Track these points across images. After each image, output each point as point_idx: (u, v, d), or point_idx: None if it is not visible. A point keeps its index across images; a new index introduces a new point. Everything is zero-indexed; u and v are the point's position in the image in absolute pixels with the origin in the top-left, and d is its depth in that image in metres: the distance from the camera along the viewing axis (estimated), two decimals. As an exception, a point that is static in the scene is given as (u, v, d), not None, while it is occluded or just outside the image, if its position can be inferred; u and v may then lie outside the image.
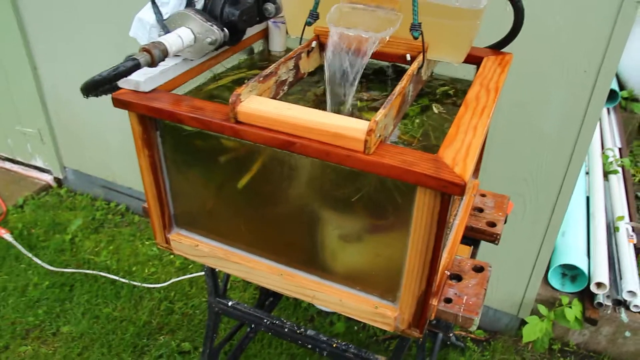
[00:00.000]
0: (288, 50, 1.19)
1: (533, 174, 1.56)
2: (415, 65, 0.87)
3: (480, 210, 1.17)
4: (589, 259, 1.85)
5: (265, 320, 1.18)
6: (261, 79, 0.82)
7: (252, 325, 1.24)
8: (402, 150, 0.72)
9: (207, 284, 1.20)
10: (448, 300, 0.93)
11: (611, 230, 2.01)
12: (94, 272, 2.12)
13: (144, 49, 0.81)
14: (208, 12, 0.93)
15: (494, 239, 1.11)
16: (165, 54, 0.83)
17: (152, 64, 0.82)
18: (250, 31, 1.10)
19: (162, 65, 0.89)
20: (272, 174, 0.86)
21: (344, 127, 0.71)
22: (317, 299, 0.91)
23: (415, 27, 0.85)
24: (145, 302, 2.02)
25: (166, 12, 0.91)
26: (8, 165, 2.68)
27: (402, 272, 0.81)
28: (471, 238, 1.14)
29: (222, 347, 1.48)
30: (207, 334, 1.32)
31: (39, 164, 2.58)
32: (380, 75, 1.07)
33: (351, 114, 0.92)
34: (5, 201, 2.46)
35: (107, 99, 0.88)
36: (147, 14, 0.92)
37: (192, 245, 1.00)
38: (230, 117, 0.77)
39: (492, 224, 1.13)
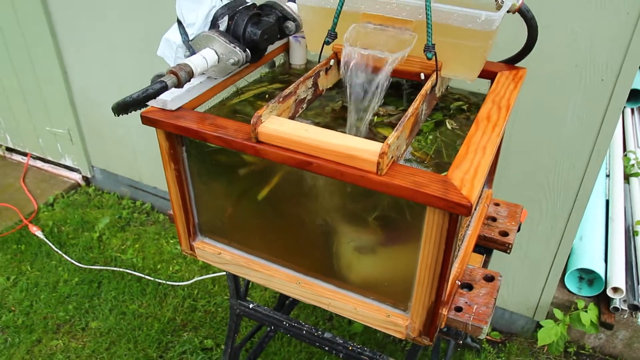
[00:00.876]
0: (308, 63, 1.23)
1: (550, 180, 1.58)
2: (428, 85, 0.91)
3: (494, 219, 1.20)
4: (607, 263, 1.86)
5: (284, 323, 1.23)
6: (281, 99, 0.87)
7: (272, 327, 1.30)
8: (413, 171, 0.76)
9: (229, 287, 1.26)
10: (458, 309, 0.97)
11: (630, 234, 2.01)
12: (121, 269, 2.20)
13: (171, 72, 0.86)
14: (231, 33, 0.98)
15: (505, 248, 1.14)
16: (190, 75, 0.88)
17: (179, 85, 0.87)
18: (272, 45, 1.15)
19: (188, 84, 0.94)
20: (291, 188, 0.90)
21: (358, 149, 0.75)
22: (332, 306, 0.96)
23: (429, 49, 0.88)
24: (169, 299, 2.09)
25: (192, 33, 0.96)
26: (39, 164, 2.79)
27: (413, 284, 0.85)
28: (484, 247, 1.17)
29: (242, 346, 1.54)
30: (229, 334, 1.38)
31: (69, 163, 2.68)
32: (396, 89, 1.11)
33: (369, 130, 0.96)
34: (36, 199, 2.56)
35: None
36: (173, 34, 0.97)
37: (215, 253, 1.06)
38: (252, 137, 0.82)
39: (505, 234, 1.15)
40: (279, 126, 0.82)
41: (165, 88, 0.85)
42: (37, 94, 2.49)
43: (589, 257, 1.84)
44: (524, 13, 1.00)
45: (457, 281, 0.98)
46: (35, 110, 2.57)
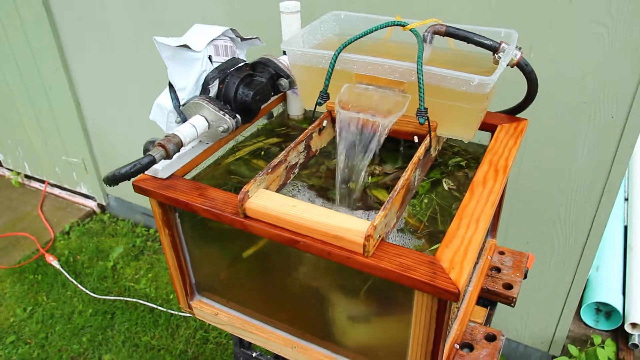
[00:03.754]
0: (307, 112, 1.22)
1: (561, 215, 1.54)
2: (421, 149, 0.89)
3: (498, 270, 1.17)
4: (625, 295, 1.80)
5: (286, 374, 1.22)
6: (269, 170, 0.86)
7: (275, 376, 1.29)
8: (400, 252, 0.74)
9: (232, 336, 1.25)
10: (459, 374, 0.95)
11: (650, 263, 1.94)
12: (134, 299, 2.22)
13: (159, 144, 0.86)
14: (223, 96, 0.97)
15: (509, 302, 1.11)
16: (180, 146, 0.88)
17: (167, 157, 0.87)
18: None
19: (181, 150, 0.94)
20: (282, 258, 0.89)
21: (344, 230, 0.74)
22: (328, 372, 0.95)
23: (422, 113, 0.86)
24: (181, 330, 2.10)
25: (183, 97, 0.96)
26: (57, 191, 2.84)
27: (406, 356, 0.83)
28: (487, 299, 1.14)
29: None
30: (234, 381, 1.37)
31: (84, 191, 2.72)
32: (394, 144, 1.08)
33: (362, 194, 0.94)
34: (53, 227, 2.61)
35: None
36: (165, 99, 0.97)
37: (212, 314, 1.05)
38: (239, 212, 0.81)
39: (509, 286, 1.12)
40: (266, 202, 0.81)
41: (153, 162, 0.85)
42: (52, 125, 2.54)
43: (606, 289, 1.79)
44: (523, 67, 0.97)
45: (455, 344, 0.95)
46: (51, 140, 2.62)
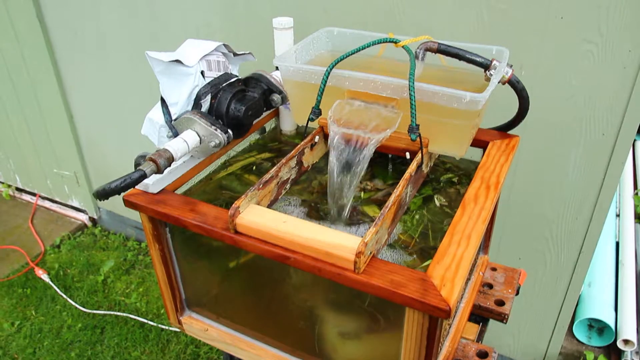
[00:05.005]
0: (299, 127, 1.22)
1: (553, 231, 1.54)
2: (413, 166, 0.89)
3: (490, 286, 1.16)
4: (617, 312, 1.80)
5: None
6: (260, 185, 0.85)
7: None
8: (391, 268, 0.74)
9: (223, 352, 1.24)
10: (451, 392, 0.94)
11: (641, 280, 1.95)
12: (124, 314, 2.20)
13: (150, 159, 0.85)
14: (215, 111, 0.97)
15: (502, 318, 1.10)
16: (171, 161, 0.88)
17: (158, 171, 0.86)
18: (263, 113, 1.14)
19: (172, 165, 0.94)
20: (272, 274, 0.89)
21: (335, 246, 0.73)
22: (318, 390, 0.94)
23: (413, 130, 0.86)
24: (172, 345, 2.08)
25: (175, 112, 0.96)
26: (48, 204, 2.82)
27: (396, 375, 0.83)
28: (479, 315, 1.13)
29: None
30: (224, 398, 1.35)
31: (75, 204, 2.70)
32: (385, 159, 1.09)
33: (353, 210, 0.94)
34: (43, 240, 2.59)
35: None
36: (156, 114, 0.97)
37: (202, 329, 1.04)
38: (230, 228, 0.81)
39: (501, 303, 1.12)
40: (257, 217, 0.80)
41: (144, 177, 0.84)
42: (44, 137, 2.53)
43: (598, 305, 1.79)
44: (514, 84, 0.98)
45: (448, 363, 0.95)
46: (42, 153, 2.61)
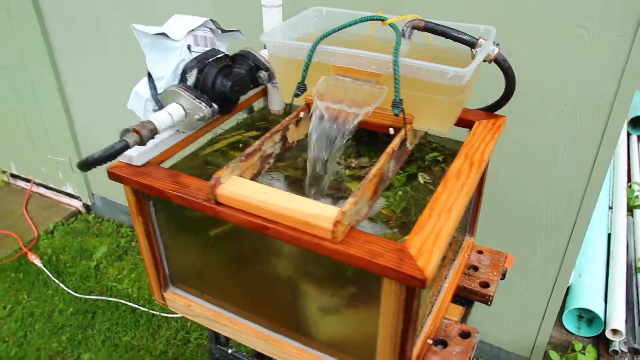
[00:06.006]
0: (287, 108, 1.22)
1: (542, 218, 1.54)
2: (396, 141, 0.89)
3: (476, 268, 1.16)
4: (607, 302, 1.80)
5: (262, 371, 1.21)
6: (243, 158, 0.85)
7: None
8: (370, 239, 0.73)
9: (208, 332, 1.24)
10: (432, 369, 0.94)
11: (632, 272, 1.95)
12: (116, 299, 2.20)
13: (134, 130, 0.85)
14: (200, 86, 0.97)
15: (486, 300, 1.11)
16: (154, 133, 0.88)
17: (142, 143, 0.86)
18: (251, 91, 1.14)
19: (157, 138, 0.94)
20: (254, 245, 0.89)
21: (313, 216, 0.73)
22: (299, 365, 0.94)
23: (397, 104, 0.86)
24: (162, 331, 2.08)
25: (160, 86, 0.96)
26: (42, 190, 2.82)
27: (375, 349, 0.83)
28: (464, 298, 1.13)
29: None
30: (210, 379, 1.35)
31: (70, 190, 2.70)
32: (373, 138, 1.09)
33: (337, 186, 0.94)
34: (37, 226, 2.59)
35: None
36: (142, 88, 0.97)
37: (185, 305, 1.04)
38: (211, 199, 0.81)
39: (486, 285, 1.12)
40: (238, 188, 0.80)
41: (126, 147, 0.85)
42: (39, 123, 2.53)
43: (588, 295, 1.79)
44: (500, 63, 0.97)
45: (428, 340, 0.94)
46: (37, 139, 2.61)
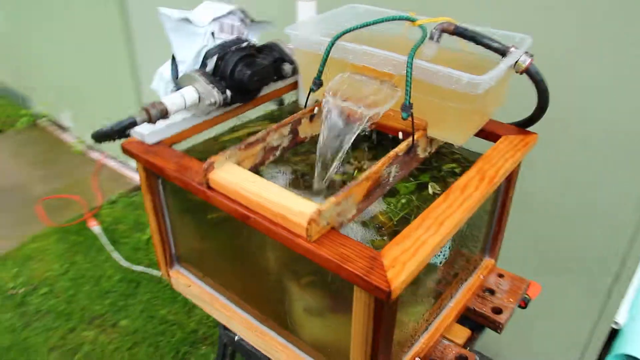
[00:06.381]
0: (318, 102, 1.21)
1: (587, 252, 1.42)
2: (402, 146, 0.85)
3: (492, 292, 1.09)
4: (661, 353, 1.62)
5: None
6: (242, 146, 0.85)
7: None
8: (346, 242, 0.71)
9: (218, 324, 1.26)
10: (416, 389, 0.89)
11: (698, 323, 1.74)
12: (159, 274, 2.30)
13: (144, 108, 0.88)
14: (220, 72, 0.98)
15: (496, 327, 1.03)
16: (164, 113, 0.90)
17: (150, 121, 0.89)
18: (279, 83, 1.13)
19: (172, 119, 0.96)
20: (245, 235, 0.89)
21: (291, 211, 0.72)
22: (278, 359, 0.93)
23: (406, 108, 0.82)
24: (197, 310, 2.14)
25: (182, 70, 0.98)
26: (112, 163, 3.00)
27: (349, 357, 0.80)
28: (473, 321, 1.06)
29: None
30: (217, 362, 1.38)
31: (135, 165, 2.86)
32: (394, 143, 1.05)
33: (342, 186, 0.92)
34: (102, 196, 2.76)
35: None
36: (166, 69, 1.00)
37: (186, 285, 1.06)
38: (203, 182, 0.81)
39: (498, 311, 1.04)
40: (229, 175, 0.80)
41: (134, 124, 0.87)
42: (116, 97, 2.69)
43: (638, 342, 1.62)
44: (532, 75, 0.90)
45: (417, 358, 0.90)
46: (113, 115, 2.77)
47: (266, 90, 1.10)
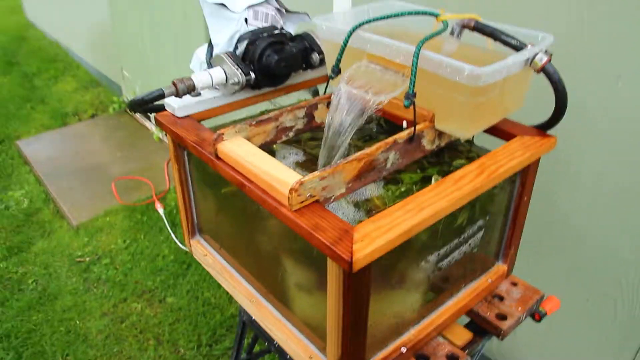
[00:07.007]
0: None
1: (630, 277, 1.33)
2: (403, 134, 0.86)
3: (501, 298, 1.06)
4: None
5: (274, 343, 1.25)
6: (254, 122, 0.91)
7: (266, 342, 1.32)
8: (325, 216, 0.74)
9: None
10: (400, 379, 0.90)
11: None
12: (210, 258, 2.42)
13: (173, 82, 0.97)
14: (249, 56, 1.05)
15: (497, 332, 1.00)
16: (191, 89, 0.98)
17: (177, 95, 0.97)
18: (314, 73, 1.18)
19: (202, 97, 1.04)
20: (249, 208, 0.94)
21: (278, 180, 0.76)
22: (273, 332, 0.96)
23: (409, 97, 0.84)
24: (238, 296, 2.23)
25: (215, 52, 1.06)
26: (184, 152, 3.20)
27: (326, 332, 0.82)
28: (478, 325, 1.04)
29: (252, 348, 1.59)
30: (235, 340, 1.44)
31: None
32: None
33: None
34: (170, 181, 2.94)
35: None
36: (202, 51, 1.08)
37: (202, 254, 1.13)
38: (212, 152, 0.88)
39: (503, 317, 1.02)
40: (234, 146, 0.86)
41: (162, 96, 0.96)
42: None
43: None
44: (549, 74, 0.88)
45: (403, 347, 0.90)
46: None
47: (297, 79, 1.15)
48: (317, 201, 0.77)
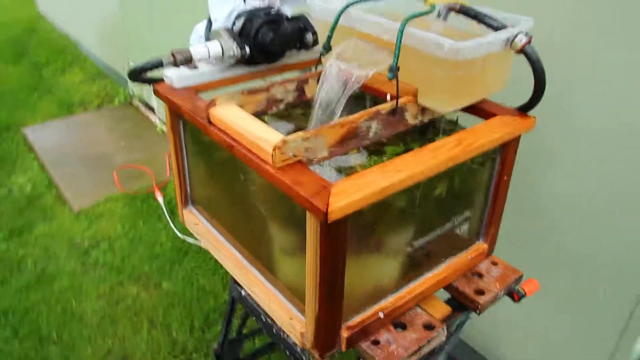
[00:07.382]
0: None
1: (611, 269, 1.36)
2: (386, 105, 0.90)
3: (480, 275, 1.10)
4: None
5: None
6: (245, 91, 0.95)
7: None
8: (307, 174, 0.78)
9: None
10: (376, 342, 0.93)
11: None
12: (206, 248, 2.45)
13: (171, 53, 1.01)
14: (246, 32, 1.10)
15: (474, 307, 1.04)
16: (188, 60, 1.03)
17: (175, 64, 1.02)
18: (309, 54, 1.22)
19: (200, 70, 1.08)
20: (236, 173, 0.98)
21: (262, 139, 0.80)
22: (256, 295, 1.00)
23: (392, 70, 0.89)
24: (232, 284, 2.27)
25: (214, 28, 1.10)
26: (187, 146, 3.25)
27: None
28: (457, 301, 1.07)
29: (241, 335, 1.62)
30: (225, 316, 1.47)
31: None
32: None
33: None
34: (172, 171, 3.00)
35: None
36: (201, 26, 1.13)
37: (194, 223, 1.17)
38: (205, 117, 0.92)
39: (480, 292, 1.05)
40: (225, 111, 0.91)
41: (160, 64, 1.01)
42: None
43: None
44: (528, 54, 0.92)
45: (380, 312, 0.93)
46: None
47: (292, 59, 1.19)
48: (300, 162, 0.81)
